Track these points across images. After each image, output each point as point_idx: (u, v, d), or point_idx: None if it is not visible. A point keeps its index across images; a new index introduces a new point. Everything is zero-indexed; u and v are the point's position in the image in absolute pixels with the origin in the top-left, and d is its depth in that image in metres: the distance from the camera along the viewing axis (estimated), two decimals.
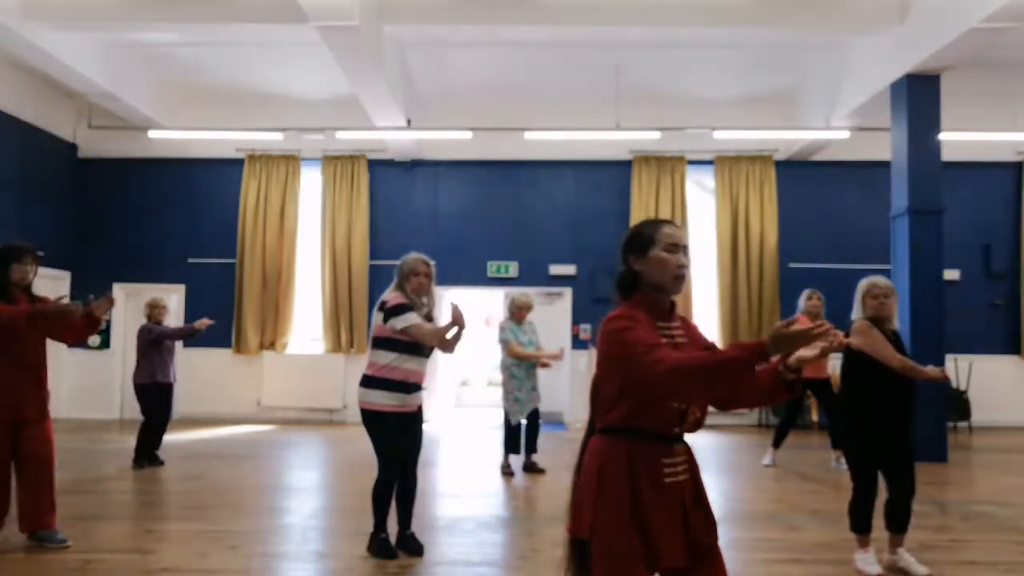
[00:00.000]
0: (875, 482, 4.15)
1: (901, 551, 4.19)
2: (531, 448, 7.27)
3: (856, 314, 4.29)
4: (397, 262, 4.61)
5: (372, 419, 4.31)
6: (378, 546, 4.39)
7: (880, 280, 4.24)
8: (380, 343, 4.33)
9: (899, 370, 4.06)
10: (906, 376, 4.10)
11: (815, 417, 10.75)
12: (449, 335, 4.23)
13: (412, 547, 4.46)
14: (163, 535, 4.81)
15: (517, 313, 7.14)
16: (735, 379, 1.98)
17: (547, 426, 7.13)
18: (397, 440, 4.34)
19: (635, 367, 2.05)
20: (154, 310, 7.52)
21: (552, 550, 4.56)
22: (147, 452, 7.33)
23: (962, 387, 10.85)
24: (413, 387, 4.36)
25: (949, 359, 9.38)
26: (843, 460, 7.40)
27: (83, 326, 4.56)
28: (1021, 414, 11.18)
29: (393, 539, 4.49)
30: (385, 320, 4.29)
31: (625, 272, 2.29)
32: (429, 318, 4.48)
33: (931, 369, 4.21)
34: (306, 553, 4.52)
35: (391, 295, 4.39)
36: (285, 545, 4.69)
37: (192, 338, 7.71)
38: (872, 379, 4.10)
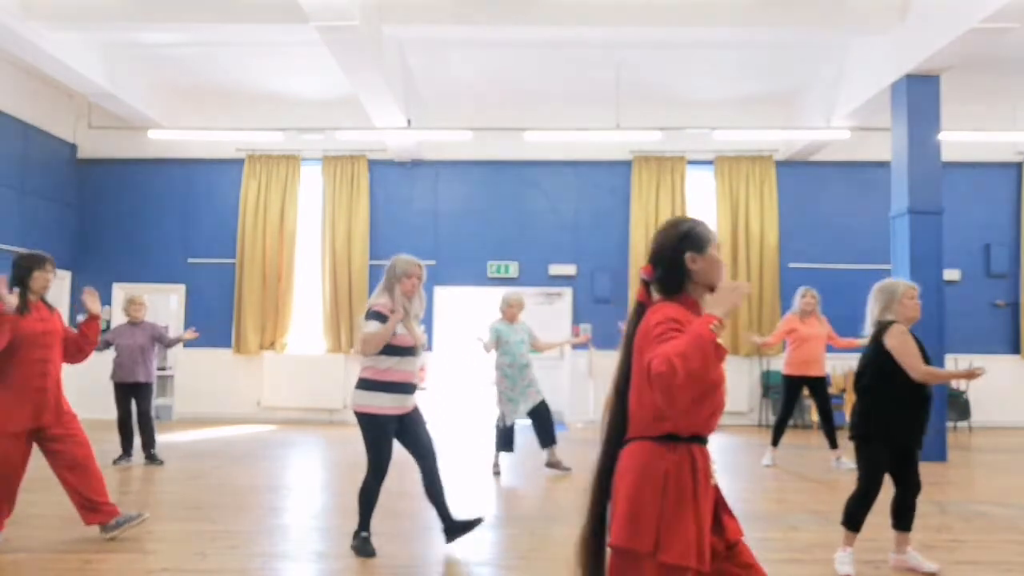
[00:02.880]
0: (881, 485, 4.15)
1: (910, 550, 4.17)
2: (549, 440, 7.08)
3: (888, 315, 4.18)
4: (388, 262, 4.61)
5: (368, 420, 4.34)
6: (359, 544, 4.41)
7: (913, 283, 4.25)
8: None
9: (920, 380, 4.05)
10: (927, 383, 4.10)
11: (815, 417, 10.74)
12: (394, 328, 4.29)
13: (471, 523, 4.50)
14: (163, 535, 4.80)
15: (508, 311, 7.10)
16: (716, 355, 1.92)
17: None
18: (389, 442, 4.37)
19: (645, 368, 2.00)
20: (130, 306, 7.52)
21: (552, 550, 4.57)
22: (126, 448, 7.44)
23: (962, 387, 10.85)
24: (411, 387, 4.41)
25: (949, 359, 9.39)
26: (843, 460, 7.43)
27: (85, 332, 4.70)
28: (1021, 414, 11.18)
29: (440, 538, 4.54)
30: None
31: (679, 268, 2.21)
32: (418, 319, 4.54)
33: (957, 370, 4.20)
34: (306, 553, 4.52)
35: (375, 300, 4.42)
36: (285, 545, 4.69)
37: (173, 345, 7.84)
38: (896, 386, 4.05)
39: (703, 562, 2.06)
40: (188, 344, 10.53)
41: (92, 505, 4.55)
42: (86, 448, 4.61)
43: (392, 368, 4.32)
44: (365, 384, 4.35)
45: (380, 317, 4.31)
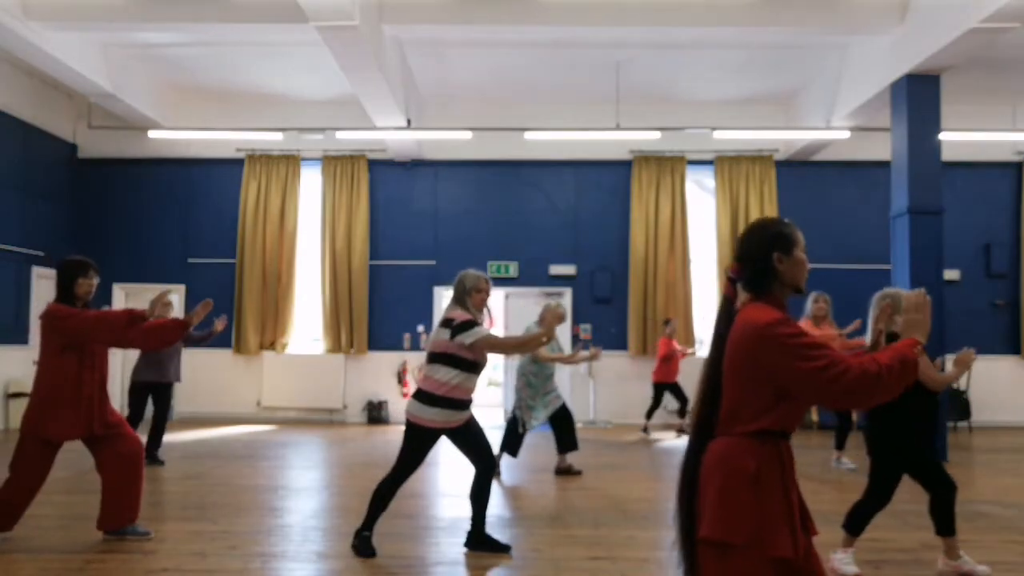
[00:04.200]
0: (891, 497, 4.13)
1: (963, 554, 4.10)
2: (570, 445, 7.03)
3: (893, 326, 4.00)
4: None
5: (417, 431, 4.34)
6: (360, 544, 4.41)
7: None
8: (443, 359, 4.32)
9: (938, 390, 4.02)
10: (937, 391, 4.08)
11: (815, 417, 10.74)
12: (546, 338, 4.30)
13: (498, 547, 4.48)
14: (163, 535, 4.80)
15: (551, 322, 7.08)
16: (912, 379, 2.08)
17: (544, 427, 7.10)
18: (422, 454, 4.40)
19: (813, 377, 2.06)
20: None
21: (553, 550, 4.57)
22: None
23: (962, 387, 10.85)
24: (468, 403, 4.42)
25: (949, 359, 9.38)
26: (843, 460, 7.43)
27: (176, 328, 4.65)
28: (1021, 414, 11.19)
29: (465, 544, 4.54)
30: (452, 337, 4.28)
31: (766, 269, 2.27)
32: None
33: (954, 371, 4.13)
34: (306, 553, 4.52)
35: (456, 312, 4.38)
36: (285, 545, 4.69)
37: (203, 341, 7.73)
38: (906, 397, 3.99)
39: (798, 552, 2.12)
40: (188, 344, 10.55)
41: (126, 506, 4.56)
42: (138, 445, 4.66)
43: (451, 382, 4.29)
44: (420, 395, 4.35)
45: (474, 324, 4.31)
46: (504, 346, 4.35)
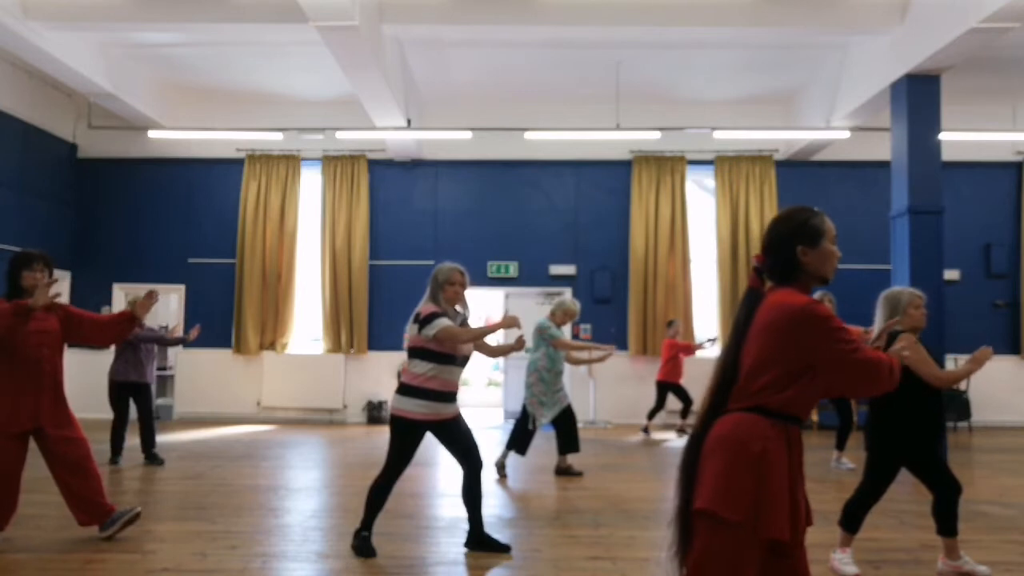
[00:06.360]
0: (882, 494, 4.12)
1: (964, 555, 4.09)
2: (571, 447, 6.99)
3: (894, 325, 4.08)
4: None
5: (401, 425, 4.35)
6: (359, 544, 4.40)
7: (919, 292, 4.21)
8: (416, 353, 4.35)
9: (941, 386, 4.01)
10: (942, 389, 4.05)
11: (815, 417, 10.74)
12: (496, 335, 4.30)
13: (498, 546, 4.47)
14: (163, 535, 4.80)
15: (561, 318, 7.05)
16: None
17: (547, 426, 7.10)
18: (411, 448, 4.39)
19: (845, 358, 2.13)
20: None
21: (553, 550, 4.57)
22: (117, 449, 7.38)
23: (962, 387, 10.85)
24: (449, 396, 4.41)
25: (949, 359, 9.39)
26: (843, 460, 7.43)
27: (117, 322, 4.67)
28: (1021, 414, 11.19)
29: (468, 545, 4.53)
30: (419, 331, 4.31)
31: (790, 260, 2.26)
32: (464, 326, 4.51)
33: (965, 367, 4.08)
34: (306, 553, 4.52)
35: (424, 306, 4.39)
36: (285, 545, 4.68)
37: (176, 344, 7.82)
38: (911, 396, 3.94)
39: (793, 537, 2.13)
40: (188, 344, 10.55)
41: (88, 506, 4.54)
42: (85, 449, 4.60)
43: (427, 374, 4.31)
44: (402, 388, 4.37)
45: (437, 316, 4.29)
46: (461, 337, 4.32)
